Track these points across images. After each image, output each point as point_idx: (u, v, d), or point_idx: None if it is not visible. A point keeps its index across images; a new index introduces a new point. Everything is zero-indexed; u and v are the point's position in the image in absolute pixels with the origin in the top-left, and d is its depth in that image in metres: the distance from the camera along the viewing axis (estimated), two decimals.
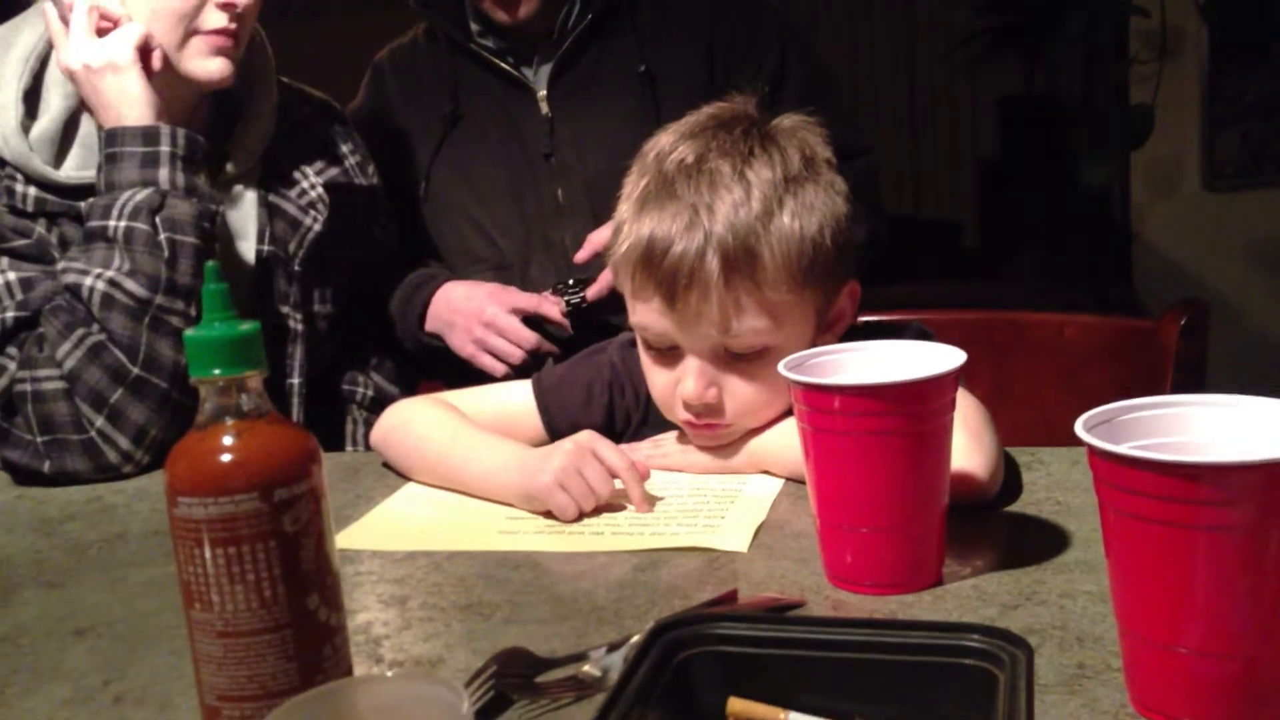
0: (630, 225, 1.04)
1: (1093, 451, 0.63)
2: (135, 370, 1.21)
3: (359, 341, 1.55)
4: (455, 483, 1.09)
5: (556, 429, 1.17)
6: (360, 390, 1.53)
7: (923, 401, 0.80)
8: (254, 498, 0.64)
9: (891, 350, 0.89)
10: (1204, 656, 0.61)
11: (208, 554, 0.64)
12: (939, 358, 0.84)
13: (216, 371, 0.65)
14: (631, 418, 1.19)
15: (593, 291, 1.45)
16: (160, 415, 1.22)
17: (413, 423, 1.15)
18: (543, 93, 1.54)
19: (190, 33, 1.28)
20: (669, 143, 1.06)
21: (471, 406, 1.17)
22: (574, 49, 1.52)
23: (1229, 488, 0.59)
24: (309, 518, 0.66)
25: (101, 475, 1.22)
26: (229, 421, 0.65)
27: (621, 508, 1.02)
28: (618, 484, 1.02)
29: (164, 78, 1.29)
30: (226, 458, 0.64)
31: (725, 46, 1.54)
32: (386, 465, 1.18)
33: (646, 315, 1.04)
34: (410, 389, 1.58)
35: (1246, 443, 0.65)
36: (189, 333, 0.66)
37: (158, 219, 1.22)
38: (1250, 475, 0.59)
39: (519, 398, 1.19)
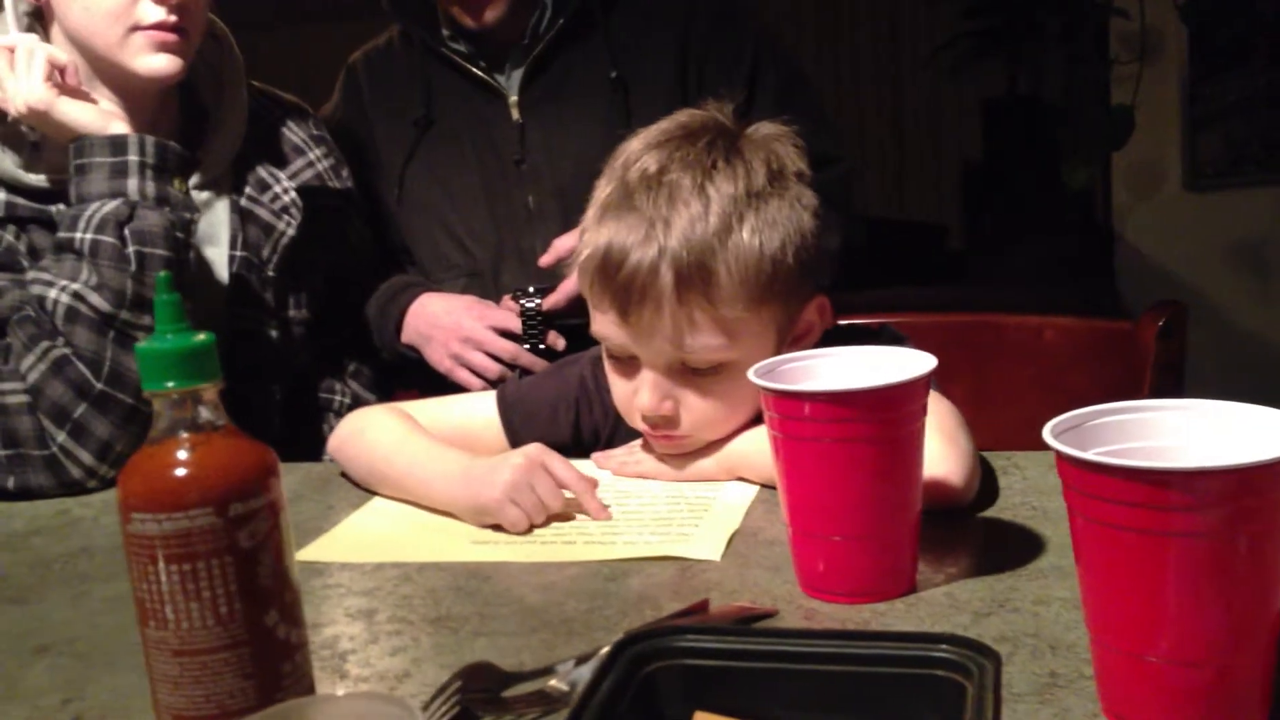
0: (590, 233, 1.03)
1: (1061, 458, 0.62)
2: (99, 386, 1.19)
3: (336, 349, 1.54)
4: (401, 492, 1.08)
5: (520, 445, 1.15)
6: (338, 398, 1.51)
7: (893, 407, 0.79)
8: (209, 513, 0.62)
9: (862, 356, 0.88)
10: (1175, 665, 0.60)
11: (162, 571, 0.63)
12: (910, 363, 0.83)
13: (170, 384, 0.64)
14: (600, 433, 1.17)
15: (549, 301, 1.44)
16: (125, 430, 1.20)
17: (364, 430, 1.14)
18: (514, 98, 1.53)
19: (131, 29, 1.25)
20: (636, 150, 1.04)
21: (431, 417, 1.15)
22: (545, 54, 1.51)
23: (1198, 493, 0.58)
24: (266, 532, 0.64)
25: (64, 491, 1.20)
26: (183, 435, 0.64)
27: (571, 517, 1.01)
28: (567, 494, 1.02)
29: (117, 79, 1.28)
30: (180, 472, 0.63)
31: (699, 52, 1.53)
32: (345, 475, 1.17)
33: (604, 326, 1.03)
34: (387, 397, 1.56)
35: (1216, 447, 0.64)
36: (141, 345, 0.65)
37: (126, 231, 1.20)
38: (1220, 481, 0.58)
39: (482, 411, 1.17)
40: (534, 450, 1.02)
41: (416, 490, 1.06)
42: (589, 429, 1.18)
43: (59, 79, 1.23)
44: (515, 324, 1.45)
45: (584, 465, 1.13)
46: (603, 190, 1.05)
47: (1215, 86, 3.15)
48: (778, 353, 1.02)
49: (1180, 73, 3.15)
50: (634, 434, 1.12)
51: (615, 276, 0.99)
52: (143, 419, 1.20)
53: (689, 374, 1.02)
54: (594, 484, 1.02)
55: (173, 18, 1.25)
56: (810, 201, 1.04)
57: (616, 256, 0.99)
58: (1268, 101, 3.15)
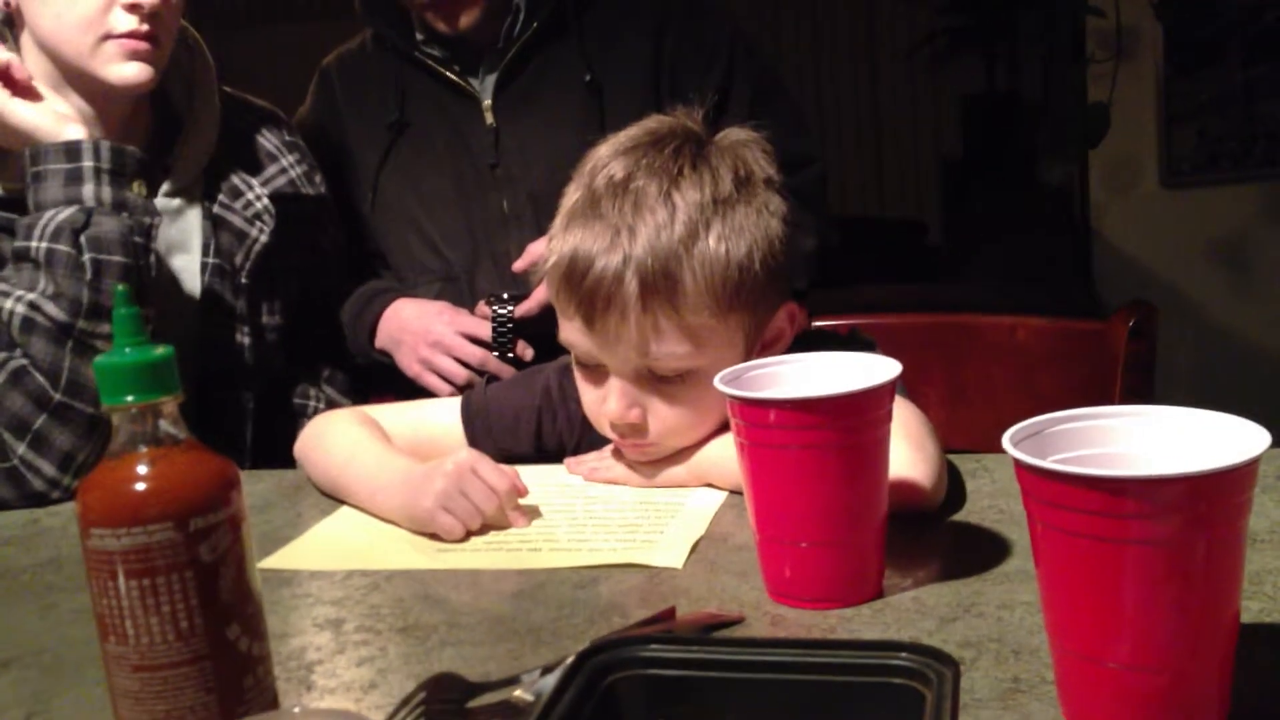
0: (557, 240, 1.03)
1: (1019, 465, 0.62)
2: (58, 396, 1.18)
3: (310, 354, 1.53)
4: (353, 500, 1.08)
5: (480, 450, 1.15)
6: (312, 404, 1.51)
7: (858, 413, 0.80)
8: (168, 527, 0.62)
9: (828, 362, 0.88)
10: (1133, 670, 0.61)
11: (122, 586, 0.63)
12: (875, 369, 0.83)
13: (129, 398, 0.64)
14: (565, 442, 1.17)
15: (521, 309, 1.44)
16: (88, 441, 1.19)
17: (323, 436, 1.14)
18: (488, 102, 1.52)
19: (102, 38, 1.23)
20: (604, 157, 1.04)
21: (393, 422, 1.15)
22: (519, 58, 1.51)
23: (1154, 501, 0.58)
24: (228, 546, 0.64)
25: (28, 503, 1.19)
26: (143, 449, 0.64)
27: (507, 525, 1.01)
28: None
29: (88, 87, 1.27)
30: (140, 487, 0.63)
31: (672, 55, 1.53)
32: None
33: (571, 333, 1.03)
34: (362, 402, 1.56)
35: (1174, 454, 0.64)
36: (99, 359, 0.64)
37: (82, 238, 1.18)
38: (1175, 488, 0.58)
39: (445, 417, 1.18)
40: (465, 456, 1.01)
41: (364, 499, 1.06)
42: (552, 438, 1.17)
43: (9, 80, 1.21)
44: (486, 330, 1.45)
45: (555, 471, 1.13)
46: (571, 197, 1.05)
47: (1190, 84, 3.17)
48: (746, 360, 1.02)
49: (1156, 70, 3.17)
50: (600, 444, 1.12)
51: (580, 284, 0.99)
52: (106, 429, 1.18)
53: (656, 381, 1.02)
54: (521, 491, 1.02)
55: (145, 26, 1.24)
56: (779, 208, 1.04)
57: (582, 264, 0.99)
58: (1242, 98, 3.17)
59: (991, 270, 3.63)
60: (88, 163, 1.21)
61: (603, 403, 1.04)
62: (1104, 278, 3.31)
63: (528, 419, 1.17)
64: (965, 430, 1.41)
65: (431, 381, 1.47)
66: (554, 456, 1.16)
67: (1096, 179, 3.32)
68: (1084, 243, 3.38)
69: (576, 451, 1.15)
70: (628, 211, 0.99)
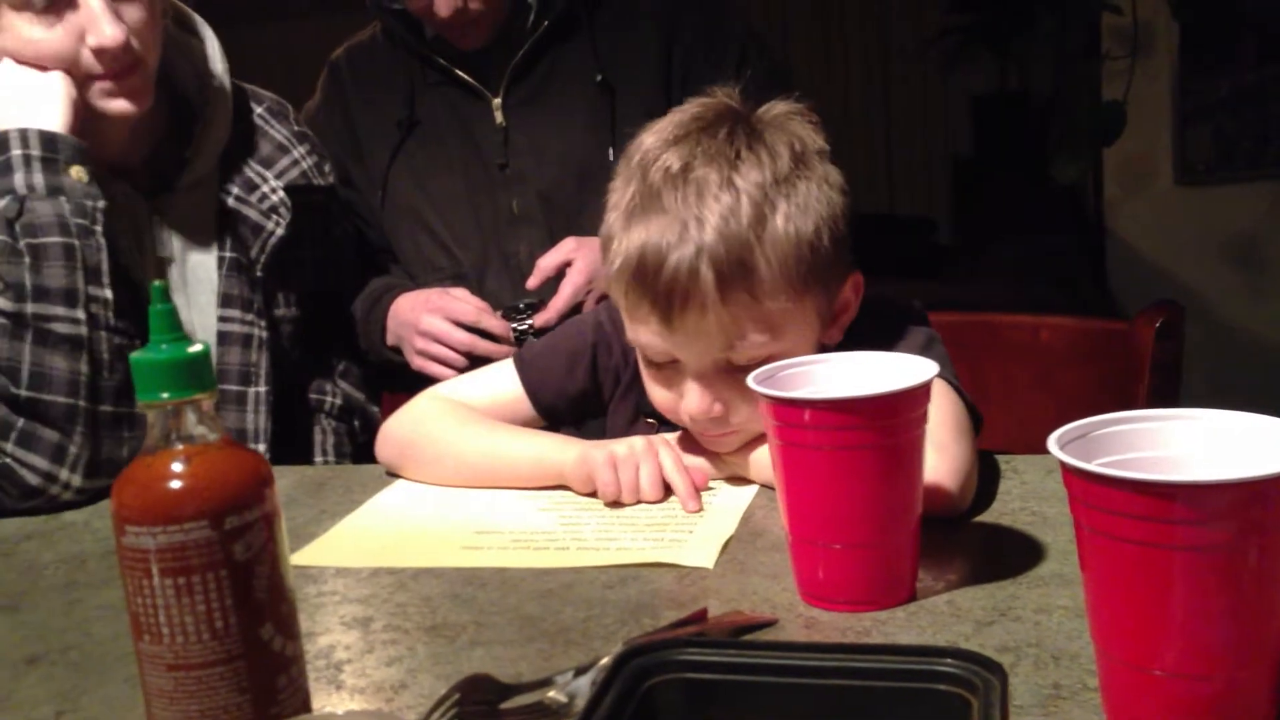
0: (620, 240, 1.00)
1: (1066, 469, 0.61)
2: (23, 393, 1.14)
3: (325, 349, 1.52)
4: (503, 478, 1.09)
5: (541, 402, 1.16)
6: (329, 399, 1.50)
7: (894, 414, 0.79)
8: (204, 525, 0.62)
9: (862, 361, 0.87)
10: (1180, 678, 0.60)
11: (157, 584, 0.62)
12: (910, 369, 0.83)
13: (164, 395, 0.63)
14: (620, 375, 1.16)
15: (540, 320, 1.43)
16: (73, 431, 1.16)
17: (429, 424, 1.14)
18: (498, 100, 1.51)
19: (85, 79, 1.22)
20: (653, 148, 1.01)
21: (465, 398, 1.16)
22: (530, 57, 1.49)
23: (1205, 507, 0.57)
24: (262, 544, 0.64)
25: (30, 502, 1.16)
26: (178, 446, 0.63)
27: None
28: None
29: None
30: (175, 484, 0.62)
31: (684, 54, 1.51)
32: (391, 474, 1.17)
33: (644, 335, 1.00)
34: (377, 396, 1.55)
35: (1224, 459, 0.63)
36: (135, 355, 0.64)
37: (17, 226, 1.16)
38: (1227, 494, 0.57)
39: (508, 382, 1.17)
40: (660, 439, 1.03)
41: (524, 469, 1.08)
42: (608, 372, 1.17)
43: None
44: (472, 315, 1.44)
45: None
46: (623, 193, 1.02)
47: (1206, 82, 3.15)
48: (821, 337, 1.02)
49: (1172, 68, 3.15)
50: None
51: (655, 282, 0.96)
52: (91, 416, 1.16)
53: (734, 371, 0.98)
54: (701, 482, 1.02)
55: (123, 59, 1.21)
56: (837, 179, 1.01)
57: (653, 260, 0.96)
58: (1258, 96, 3.15)
59: (1002, 269, 3.61)
60: (15, 151, 1.18)
61: (678, 400, 1.02)
62: (1118, 277, 3.30)
63: (582, 356, 1.16)
64: (986, 431, 1.40)
65: (436, 370, 1.45)
66: (608, 389, 1.17)
67: (1110, 177, 3.31)
68: (1097, 242, 3.36)
69: (632, 383, 1.14)
70: (692, 201, 0.96)
